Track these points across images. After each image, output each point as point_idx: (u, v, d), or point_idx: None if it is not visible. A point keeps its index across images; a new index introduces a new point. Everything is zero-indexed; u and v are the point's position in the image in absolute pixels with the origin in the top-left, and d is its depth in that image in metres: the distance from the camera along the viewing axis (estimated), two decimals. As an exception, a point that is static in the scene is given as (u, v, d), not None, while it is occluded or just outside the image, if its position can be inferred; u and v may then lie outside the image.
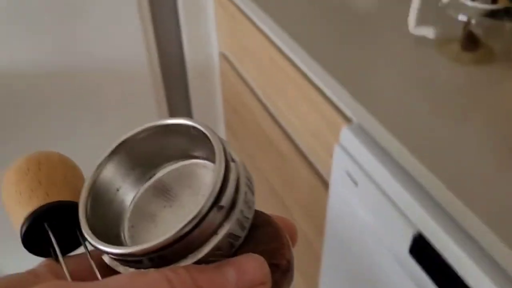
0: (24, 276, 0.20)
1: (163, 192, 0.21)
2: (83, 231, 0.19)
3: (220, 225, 0.18)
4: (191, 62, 1.43)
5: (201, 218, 0.18)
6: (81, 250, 0.22)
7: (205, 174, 0.21)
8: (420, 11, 0.84)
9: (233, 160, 0.20)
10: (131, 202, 0.21)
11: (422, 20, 0.85)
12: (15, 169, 0.21)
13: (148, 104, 1.44)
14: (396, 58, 0.86)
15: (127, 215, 0.21)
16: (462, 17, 0.80)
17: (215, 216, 0.18)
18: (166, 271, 0.17)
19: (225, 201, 0.18)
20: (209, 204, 0.18)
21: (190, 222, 0.17)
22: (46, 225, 0.20)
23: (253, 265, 0.18)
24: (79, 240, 0.22)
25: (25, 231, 0.20)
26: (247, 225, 0.19)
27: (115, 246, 0.18)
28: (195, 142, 0.20)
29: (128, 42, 1.30)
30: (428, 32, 0.86)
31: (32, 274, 0.20)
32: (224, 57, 1.41)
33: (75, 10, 1.20)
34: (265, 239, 0.19)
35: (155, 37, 1.34)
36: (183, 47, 1.40)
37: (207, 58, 1.44)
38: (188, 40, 1.38)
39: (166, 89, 1.46)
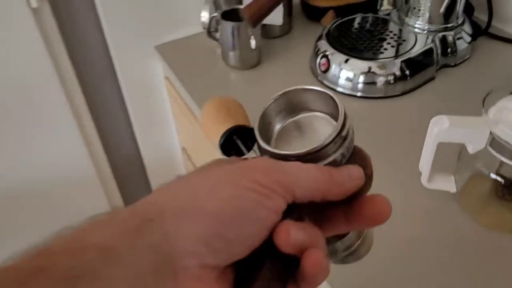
0: (230, 158, 0.31)
1: (296, 128, 0.33)
2: (259, 141, 0.30)
3: (339, 147, 0.29)
4: (151, 161, 1.18)
5: (331, 140, 0.29)
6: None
7: (323, 122, 0.32)
8: (436, 157, 0.59)
9: None
10: (276, 132, 0.33)
11: (438, 166, 0.61)
12: (214, 104, 0.36)
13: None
14: (405, 224, 0.61)
15: (273, 139, 0.33)
16: (497, 177, 0.56)
17: (337, 141, 0.29)
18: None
19: (344, 133, 0.29)
20: (336, 132, 0.29)
21: (325, 140, 0.29)
22: (235, 138, 0.34)
23: (355, 168, 0.29)
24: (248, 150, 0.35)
25: (223, 141, 0.33)
26: (350, 150, 0.30)
27: (283, 150, 0.29)
28: (322, 101, 0.32)
29: (71, 155, 1.06)
30: (448, 185, 0.61)
31: (229, 160, 0.31)
32: (186, 152, 1.17)
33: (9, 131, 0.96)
34: (358, 158, 0.31)
35: (102, 142, 1.09)
36: (139, 146, 1.16)
37: (169, 153, 1.19)
38: (143, 139, 1.14)
39: (124, 194, 1.21)
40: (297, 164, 0.28)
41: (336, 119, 0.30)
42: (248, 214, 0.25)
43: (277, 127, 0.33)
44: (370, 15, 0.93)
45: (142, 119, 1.10)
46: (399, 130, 0.76)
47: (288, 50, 0.96)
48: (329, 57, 0.84)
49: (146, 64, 1.02)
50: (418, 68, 0.83)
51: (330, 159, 0.29)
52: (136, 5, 0.95)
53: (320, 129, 0.32)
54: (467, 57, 0.89)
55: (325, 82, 0.85)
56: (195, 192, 0.26)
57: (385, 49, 0.84)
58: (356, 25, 0.91)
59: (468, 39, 0.88)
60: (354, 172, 0.29)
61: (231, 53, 0.89)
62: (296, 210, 0.27)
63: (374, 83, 0.82)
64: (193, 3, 0.96)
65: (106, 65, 1.01)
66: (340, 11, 0.98)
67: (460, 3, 0.83)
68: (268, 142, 0.31)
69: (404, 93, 0.83)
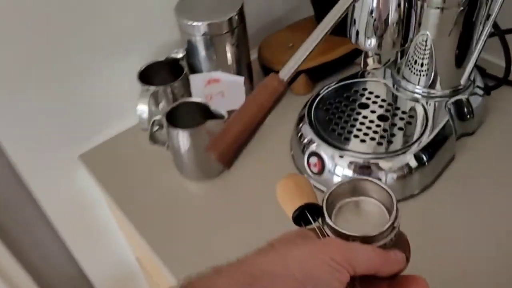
0: (305, 232, 0.37)
1: (355, 207, 0.39)
2: (327, 219, 0.37)
3: (389, 234, 0.36)
4: (102, 283, 0.93)
5: (386, 229, 0.35)
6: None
7: (377, 207, 0.39)
8: None
9: None
10: (337, 208, 0.39)
11: None
12: (288, 182, 0.41)
13: None
14: None
15: (334, 214, 0.39)
16: None
17: (389, 230, 0.36)
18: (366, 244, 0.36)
19: (395, 224, 0.36)
20: (390, 223, 0.36)
21: (382, 229, 0.35)
22: (306, 212, 0.38)
23: (400, 254, 0.36)
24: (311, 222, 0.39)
25: (296, 215, 0.38)
26: (396, 236, 0.37)
27: (343, 227, 0.36)
28: (378, 191, 0.39)
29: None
30: None
31: (305, 235, 0.37)
32: (140, 262, 0.93)
33: None
34: (400, 241, 0.38)
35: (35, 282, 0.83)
36: (84, 271, 0.90)
37: (122, 268, 0.95)
38: (88, 262, 0.88)
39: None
40: (360, 245, 0.35)
41: (386, 207, 0.39)
42: (325, 283, 0.32)
43: (338, 205, 0.40)
44: (355, 80, 0.72)
45: (80, 240, 0.85)
46: (432, 249, 0.56)
47: (259, 137, 0.74)
48: (322, 154, 0.62)
49: (72, 179, 0.77)
50: (435, 150, 0.63)
51: (382, 242, 0.36)
52: (43, 113, 0.69)
53: (374, 212, 0.39)
54: (483, 118, 0.71)
55: (317, 185, 0.64)
56: (286, 261, 0.33)
57: (392, 134, 0.63)
58: (342, 98, 0.70)
59: (481, 92, 0.70)
60: (399, 257, 0.36)
61: (186, 162, 0.66)
62: (351, 280, 0.33)
63: (380, 181, 0.61)
64: (124, 96, 0.72)
65: (19, 192, 0.75)
66: (313, 73, 0.77)
67: (478, 54, 0.63)
68: (329, 215, 0.38)
69: (424, 190, 0.63)
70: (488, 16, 0.59)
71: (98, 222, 0.85)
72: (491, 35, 0.69)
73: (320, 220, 0.38)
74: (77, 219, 0.82)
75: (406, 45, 0.54)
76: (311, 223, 0.38)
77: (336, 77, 0.79)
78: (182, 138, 0.62)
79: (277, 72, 0.43)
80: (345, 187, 0.39)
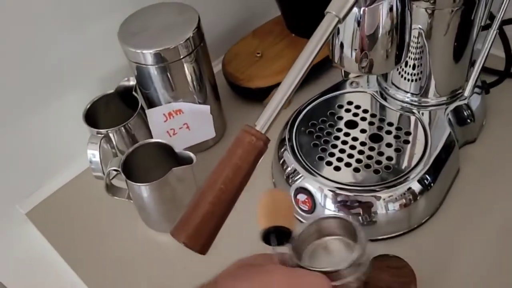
0: (262, 255, 0.37)
1: (324, 247, 0.39)
2: (292, 254, 0.37)
3: (354, 271, 0.34)
4: None
5: (349, 265, 0.34)
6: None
7: (341, 244, 0.39)
8: None
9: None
10: (308, 247, 0.39)
11: None
12: (267, 200, 0.39)
13: None
14: None
15: (307, 253, 0.39)
16: None
17: (355, 266, 0.34)
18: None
19: (362, 260, 0.35)
20: (353, 259, 0.34)
21: (349, 263, 0.34)
22: (272, 235, 0.37)
23: None
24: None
25: (263, 235, 0.37)
26: (366, 275, 0.35)
27: (307, 262, 0.37)
28: (344, 227, 0.38)
29: None
30: None
31: (269, 256, 0.37)
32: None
33: None
34: (403, 273, 0.41)
35: None
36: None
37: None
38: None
39: None
40: (306, 272, 0.34)
41: (356, 241, 0.37)
42: None
43: (309, 244, 0.39)
44: (337, 93, 0.63)
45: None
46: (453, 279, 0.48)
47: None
48: (311, 190, 0.53)
49: (21, 241, 0.65)
50: (440, 168, 0.55)
51: (344, 281, 0.34)
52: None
53: (343, 251, 0.38)
54: (484, 122, 0.63)
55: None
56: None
57: (389, 157, 0.54)
58: (326, 116, 0.60)
59: (479, 91, 0.62)
60: None
61: (152, 214, 0.56)
62: None
63: (383, 215, 0.53)
64: (72, 137, 0.61)
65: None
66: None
67: (483, 61, 0.54)
68: (300, 252, 0.38)
69: (432, 215, 0.55)
70: (491, 15, 0.51)
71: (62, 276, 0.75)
72: (485, 27, 0.60)
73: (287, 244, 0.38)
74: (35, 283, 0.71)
75: (402, 61, 0.45)
76: (280, 244, 0.37)
77: (314, 85, 0.70)
78: (145, 192, 0.51)
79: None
80: (311, 230, 0.39)
